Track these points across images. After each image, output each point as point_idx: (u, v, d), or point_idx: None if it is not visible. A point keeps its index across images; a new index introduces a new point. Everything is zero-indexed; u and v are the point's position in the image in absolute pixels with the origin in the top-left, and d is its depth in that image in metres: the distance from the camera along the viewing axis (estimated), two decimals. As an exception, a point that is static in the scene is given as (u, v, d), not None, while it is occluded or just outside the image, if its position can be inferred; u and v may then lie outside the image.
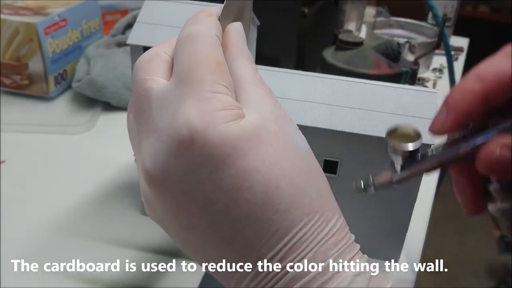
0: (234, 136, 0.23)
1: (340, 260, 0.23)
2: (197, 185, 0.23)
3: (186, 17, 0.42)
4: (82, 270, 0.43)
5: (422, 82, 0.87)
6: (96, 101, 0.72)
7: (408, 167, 0.29)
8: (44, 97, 0.73)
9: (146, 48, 0.42)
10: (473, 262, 1.70)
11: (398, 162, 0.28)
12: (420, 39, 0.90)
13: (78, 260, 0.44)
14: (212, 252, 0.24)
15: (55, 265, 0.44)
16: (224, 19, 0.27)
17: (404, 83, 0.64)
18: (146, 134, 0.24)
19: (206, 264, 0.25)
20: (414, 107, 0.40)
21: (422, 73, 0.90)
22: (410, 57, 0.80)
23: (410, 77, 0.66)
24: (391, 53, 0.64)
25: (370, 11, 1.06)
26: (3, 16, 0.69)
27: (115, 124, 0.69)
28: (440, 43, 0.70)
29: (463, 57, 1.02)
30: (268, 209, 0.23)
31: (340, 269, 0.23)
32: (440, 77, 0.89)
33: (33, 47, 0.69)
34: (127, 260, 0.45)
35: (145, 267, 0.44)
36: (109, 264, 0.44)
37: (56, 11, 0.72)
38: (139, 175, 0.26)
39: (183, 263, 0.45)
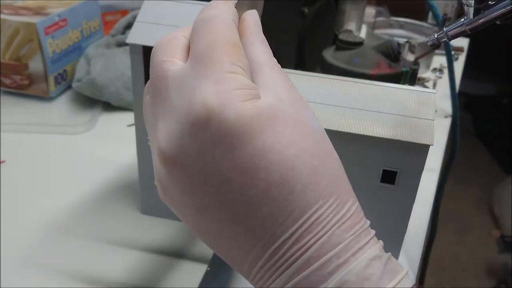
0: (251, 114, 0.22)
1: (356, 244, 0.23)
2: (213, 164, 0.23)
3: (186, 17, 0.42)
4: (82, 270, 0.43)
5: (422, 82, 0.86)
6: (96, 101, 0.72)
7: (482, 13, 0.29)
8: (44, 97, 0.73)
9: (145, 48, 0.42)
10: (473, 262, 1.70)
11: (470, 8, 0.29)
12: (420, 39, 0.90)
13: (78, 260, 0.45)
14: (225, 234, 0.24)
15: (55, 265, 0.44)
16: (240, 7, 0.28)
17: (404, 83, 0.64)
18: (162, 115, 0.24)
19: (218, 247, 0.25)
20: (414, 107, 0.40)
21: (422, 73, 0.90)
22: (410, 57, 0.80)
23: (410, 77, 0.66)
24: (391, 53, 0.64)
25: (370, 11, 1.06)
26: (3, 16, 0.69)
27: (115, 124, 0.69)
28: (440, 43, 0.69)
29: (463, 57, 1.02)
30: (284, 189, 0.23)
31: (355, 253, 0.23)
32: (440, 77, 0.89)
33: (33, 47, 0.69)
34: (127, 260, 0.45)
35: (145, 267, 0.44)
36: (109, 264, 0.44)
37: (56, 11, 0.72)
38: (153, 156, 0.25)
39: (183, 263, 0.45)
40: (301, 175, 0.23)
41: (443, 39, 0.34)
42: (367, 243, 0.24)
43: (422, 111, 0.40)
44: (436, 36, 0.34)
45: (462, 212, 1.90)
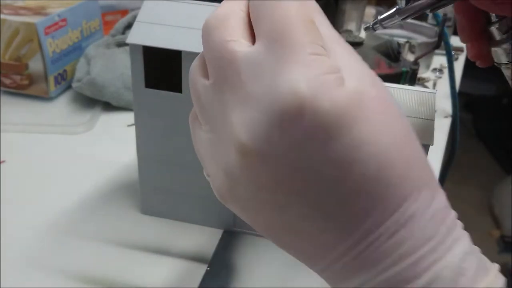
0: (345, 102, 0.20)
1: (449, 236, 0.21)
2: (304, 158, 0.20)
3: (186, 17, 0.42)
4: (82, 270, 0.43)
5: (422, 82, 0.87)
6: (96, 101, 0.72)
7: (411, 2, 0.31)
8: (44, 97, 0.73)
9: (145, 48, 0.42)
10: (473, 262, 1.70)
11: None
12: (420, 39, 0.90)
13: (78, 260, 0.45)
14: (307, 230, 0.22)
15: (55, 265, 0.44)
16: None
17: (404, 83, 0.65)
18: (235, 104, 0.22)
19: (293, 245, 0.24)
20: (414, 107, 0.40)
21: (422, 73, 0.90)
22: (410, 57, 0.80)
23: (410, 77, 0.66)
24: (391, 53, 0.64)
25: (370, 11, 1.06)
26: (3, 16, 0.69)
27: (115, 124, 0.69)
28: (440, 43, 0.70)
29: (463, 57, 1.02)
30: (381, 182, 0.21)
31: (450, 247, 0.21)
32: (440, 77, 0.89)
33: (33, 47, 0.69)
34: (127, 260, 0.45)
35: (145, 267, 0.44)
36: (109, 264, 0.44)
37: (56, 11, 0.72)
38: (217, 147, 0.23)
39: (183, 263, 0.45)
40: (397, 165, 0.21)
41: (377, 26, 0.35)
42: (458, 235, 0.22)
43: (422, 111, 0.40)
44: (371, 24, 0.36)
45: (462, 212, 1.89)
